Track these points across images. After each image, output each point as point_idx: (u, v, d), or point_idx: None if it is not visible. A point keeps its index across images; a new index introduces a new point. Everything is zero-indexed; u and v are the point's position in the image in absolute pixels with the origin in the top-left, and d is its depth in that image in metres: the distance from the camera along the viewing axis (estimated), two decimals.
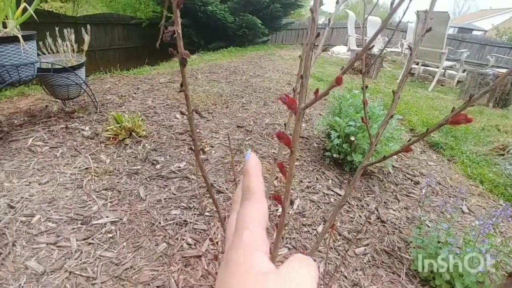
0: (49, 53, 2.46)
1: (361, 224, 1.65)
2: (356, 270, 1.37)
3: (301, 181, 1.96)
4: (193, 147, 0.47)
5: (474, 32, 16.35)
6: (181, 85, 0.39)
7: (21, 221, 1.41)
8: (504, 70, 5.36)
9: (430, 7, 0.52)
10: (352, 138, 1.98)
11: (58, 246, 1.32)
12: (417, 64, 6.01)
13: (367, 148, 1.96)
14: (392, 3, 0.47)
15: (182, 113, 0.42)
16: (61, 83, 2.36)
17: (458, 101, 4.77)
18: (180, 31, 0.34)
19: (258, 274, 0.20)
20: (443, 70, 5.89)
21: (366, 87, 0.58)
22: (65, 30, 2.47)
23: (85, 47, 2.55)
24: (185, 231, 1.47)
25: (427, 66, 6.06)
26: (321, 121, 2.20)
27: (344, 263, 1.39)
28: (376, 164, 2.22)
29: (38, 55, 2.31)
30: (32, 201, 1.55)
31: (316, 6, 0.37)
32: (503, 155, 2.78)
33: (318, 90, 0.42)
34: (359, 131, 1.99)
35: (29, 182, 1.68)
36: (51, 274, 1.19)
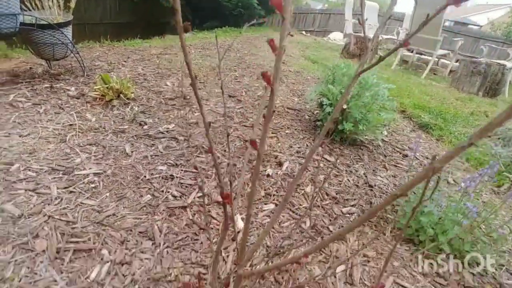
0: (33, 8, 2.35)
1: (348, 187, 1.65)
2: (342, 226, 1.37)
3: (291, 147, 1.94)
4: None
5: (470, 27, 16.43)
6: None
7: None
8: (496, 61, 5.40)
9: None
10: (344, 106, 1.96)
11: (37, 193, 1.27)
12: (412, 51, 6.01)
13: (358, 117, 1.95)
14: None
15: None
16: (46, 41, 2.26)
17: (449, 89, 4.81)
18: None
19: None
20: (437, 59, 5.91)
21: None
22: None
23: (72, 4, 2.43)
24: (171, 184, 1.44)
25: (422, 54, 6.06)
26: (314, 89, 2.17)
27: (330, 220, 1.39)
28: (366, 137, 2.22)
29: (21, 9, 2.19)
30: (12, 151, 1.49)
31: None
32: (489, 136, 2.81)
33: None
34: (351, 99, 1.97)
35: (9, 134, 1.61)
36: (29, 218, 1.15)
